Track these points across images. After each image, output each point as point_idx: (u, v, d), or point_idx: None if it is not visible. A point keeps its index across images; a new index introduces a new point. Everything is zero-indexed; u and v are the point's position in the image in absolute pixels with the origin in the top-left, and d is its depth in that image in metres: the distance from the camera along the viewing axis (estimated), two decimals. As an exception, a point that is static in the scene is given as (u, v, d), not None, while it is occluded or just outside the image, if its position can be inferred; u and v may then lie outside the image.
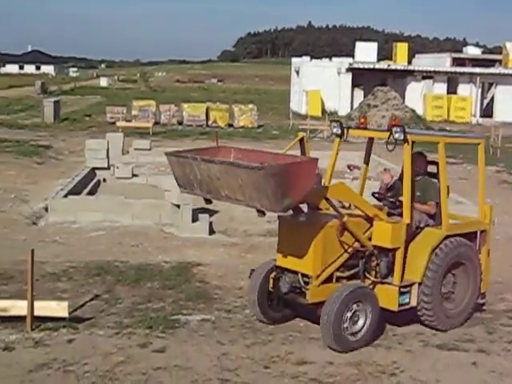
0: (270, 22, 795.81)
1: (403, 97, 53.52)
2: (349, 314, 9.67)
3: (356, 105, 52.23)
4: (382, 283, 10.20)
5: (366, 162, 11.56)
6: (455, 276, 10.81)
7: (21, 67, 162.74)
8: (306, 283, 9.93)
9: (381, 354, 9.67)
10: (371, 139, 11.33)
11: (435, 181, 10.91)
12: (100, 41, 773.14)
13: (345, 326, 9.65)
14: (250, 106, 47.18)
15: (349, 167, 11.63)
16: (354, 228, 9.96)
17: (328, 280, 9.96)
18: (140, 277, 12.64)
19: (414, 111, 46.90)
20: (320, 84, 57.49)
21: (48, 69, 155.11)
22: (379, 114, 43.86)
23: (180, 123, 44.81)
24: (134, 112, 44.97)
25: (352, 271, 10.16)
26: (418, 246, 10.34)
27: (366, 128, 10.85)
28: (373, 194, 11.06)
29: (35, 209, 18.21)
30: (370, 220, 10.18)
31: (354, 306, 9.72)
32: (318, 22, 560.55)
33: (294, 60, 69.04)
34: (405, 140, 10.05)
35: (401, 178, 10.70)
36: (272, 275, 10.35)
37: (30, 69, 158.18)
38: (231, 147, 10.39)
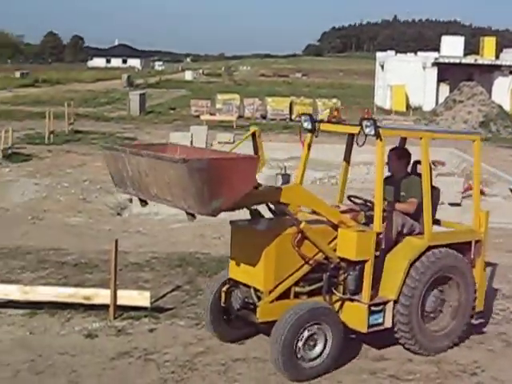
0: (355, 16, 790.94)
1: (490, 92, 52.41)
2: (303, 338, 8.37)
3: (441, 100, 51.42)
4: (351, 300, 8.95)
5: (347, 159, 10.42)
6: (443, 293, 9.50)
7: (108, 61, 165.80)
8: (260, 298, 8.65)
9: (462, 353, 9.53)
10: (352, 135, 9.97)
11: (418, 179, 9.69)
12: (186, 35, 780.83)
13: (298, 351, 8.37)
14: (334, 100, 47.04)
15: (433, 163, 11.24)
16: (314, 237, 8.70)
17: (284, 296, 8.66)
18: (221, 269, 12.72)
19: (500, 107, 45.89)
20: (405, 78, 56.84)
21: (134, 62, 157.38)
22: (465, 109, 43.16)
23: (264, 117, 44.92)
24: (218, 105, 45.24)
25: (314, 286, 8.84)
26: (394, 258, 9.09)
27: (338, 122, 9.60)
28: (349, 198, 9.89)
29: (120, 200, 18.51)
30: (336, 228, 8.96)
31: (311, 329, 8.40)
32: (404, 17, 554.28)
33: (379, 54, 68.42)
34: (376, 135, 8.88)
35: (388, 178, 9.76)
36: (224, 289, 9.13)
37: (116, 62, 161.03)
38: (179, 145, 9.29)
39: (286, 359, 8.26)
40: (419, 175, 9.66)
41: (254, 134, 9.04)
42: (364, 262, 8.82)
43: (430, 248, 9.20)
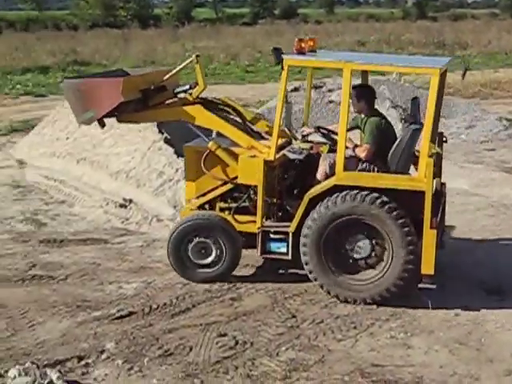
0: None
1: None
2: (192, 243, 9.33)
3: None
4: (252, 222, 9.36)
5: (308, 90, 10.49)
6: (372, 242, 8.87)
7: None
8: None
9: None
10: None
11: (380, 119, 9.36)
12: None
13: (186, 254, 9.37)
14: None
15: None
16: (222, 157, 9.40)
17: (210, 208, 9.71)
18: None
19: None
20: None
21: None
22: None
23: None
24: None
25: (235, 204, 9.60)
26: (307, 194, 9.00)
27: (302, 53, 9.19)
28: (317, 128, 9.77)
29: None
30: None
31: (201, 236, 9.32)
32: None
33: None
34: (280, 64, 8.85)
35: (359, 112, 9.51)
36: None
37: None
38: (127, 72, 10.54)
39: (174, 258, 9.38)
40: (381, 115, 9.49)
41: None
42: (255, 186, 9.19)
43: (338, 187, 8.76)
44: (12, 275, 9.75)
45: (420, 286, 9.00)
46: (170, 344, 7.83)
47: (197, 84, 9.60)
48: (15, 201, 13.71)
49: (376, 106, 9.67)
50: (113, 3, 77.63)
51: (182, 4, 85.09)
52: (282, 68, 8.90)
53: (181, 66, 9.83)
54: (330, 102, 21.16)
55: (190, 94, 9.66)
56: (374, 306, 8.82)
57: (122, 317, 8.49)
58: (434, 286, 9.06)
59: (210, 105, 9.81)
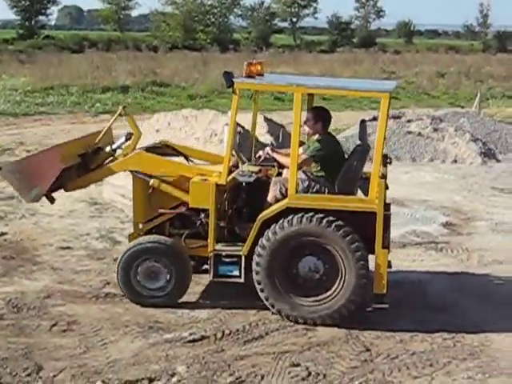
0: None
1: None
2: (141, 268, 9.32)
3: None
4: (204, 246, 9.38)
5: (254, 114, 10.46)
6: (316, 262, 8.91)
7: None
8: None
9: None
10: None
11: (329, 140, 9.43)
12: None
13: (135, 278, 9.35)
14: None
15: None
16: (166, 189, 9.50)
17: (160, 233, 9.64)
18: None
19: None
20: None
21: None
22: None
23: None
24: None
25: (184, 230, 9.61)
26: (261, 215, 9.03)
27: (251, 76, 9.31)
28: (267, 153, 9.70)
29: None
30: None
31: (151, 260, 9.32)
32: None
33: None
34: (230, 87, 8.93)
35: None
36: None
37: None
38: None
39: (123, 281, 9.36)
40: (332, 137, 9.68)
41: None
42: (206, 210, 9.22)
43: (291, 210, 8.83)
44: (86, 292, 9.80)
45: (373, 306, 9.06)
46: (241, 371, 7.74)
47: (131, 134, 9.91)
48: (91, 218, 13.84)
49: (456, 139, 9.55)
50: (193, 26, 78.67)
51: (261, 29, 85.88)
52: (234, 92, 8.98)
53: (109, 124, 10.19)
54: (409, 132, 20.94)
55: (128, 146, 9.91)
56: (452, 344, 8.62)
57: (194, 340, 8.45)
58: (387, 306, 8.99)
59: (149, 149, 10.14)
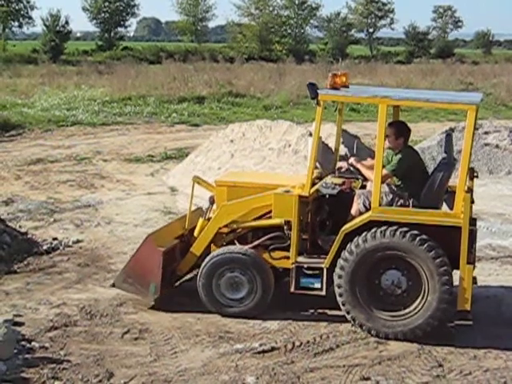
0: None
1: None
2: (223, 277, 9.36)
3: None
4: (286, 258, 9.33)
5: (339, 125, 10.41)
6: (401, 277, 8.81)
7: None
8: None
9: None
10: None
11: (410, 154, 9.36)
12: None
13: (217, 287, 9.38)
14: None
15: None
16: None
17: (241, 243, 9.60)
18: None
19: None
20: None
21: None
22: None
23: None
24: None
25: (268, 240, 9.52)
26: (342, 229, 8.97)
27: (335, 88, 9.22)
28: (350, 164, 9.65)
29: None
30: None
31: (233, 270, 9.35)
32: None
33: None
34: (315, 99, 8.88)
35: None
36: None
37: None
38: None
39: (205, 289, 9.40)
40: (414, 150, 9.59)
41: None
42: (289, 222, 9.17)
43: (374, 223, 8.74)
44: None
45: (456, 321, 8.98)
46: (311, 383, 7.67)
47: (213, 196, 10.02)
48: (165, 227, 13.91)
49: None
50: (269, 38, 79.01)
51: (337, 40, 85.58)
52: (318, 104, 8.91)
53: (189, 206, 10.23)
54: (486, 144, 20.57)
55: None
56: (527, 362, 8.38)
57: (264, 351, 8.44)
58: (470, 322, 8.90)
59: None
